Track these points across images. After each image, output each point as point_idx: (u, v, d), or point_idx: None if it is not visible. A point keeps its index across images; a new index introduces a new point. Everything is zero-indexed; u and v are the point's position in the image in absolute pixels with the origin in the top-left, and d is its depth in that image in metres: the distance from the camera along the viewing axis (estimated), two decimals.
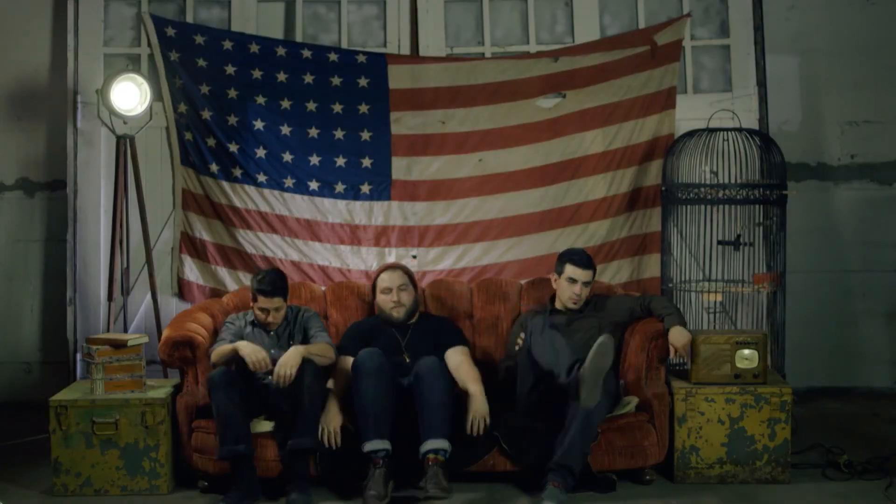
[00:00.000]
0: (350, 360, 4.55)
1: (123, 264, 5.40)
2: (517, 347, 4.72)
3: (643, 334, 4.68)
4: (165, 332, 4.60)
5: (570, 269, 4.79)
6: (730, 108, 5.63)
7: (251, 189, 5.59)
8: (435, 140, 5.60)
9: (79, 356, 5.54)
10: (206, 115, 5.57)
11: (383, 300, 4.83)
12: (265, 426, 4.44)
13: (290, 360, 4.36)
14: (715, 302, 5.24)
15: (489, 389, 4.56)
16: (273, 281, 4.61)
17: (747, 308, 5.25)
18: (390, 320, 4.82)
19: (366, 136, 5.62)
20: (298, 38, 5.77)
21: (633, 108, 5.70)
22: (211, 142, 5.59)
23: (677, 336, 4.59)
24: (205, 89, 5.58)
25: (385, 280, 4.86)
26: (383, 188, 5.60)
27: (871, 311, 6.10)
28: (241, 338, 4.59)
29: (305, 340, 4.67)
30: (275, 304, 4.61)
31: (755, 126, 5.69)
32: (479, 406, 4.43)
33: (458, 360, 4.68)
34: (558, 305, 4.87)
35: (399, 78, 5.63)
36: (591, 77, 5.68)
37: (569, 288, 4.79)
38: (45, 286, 5.92)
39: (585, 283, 4.79)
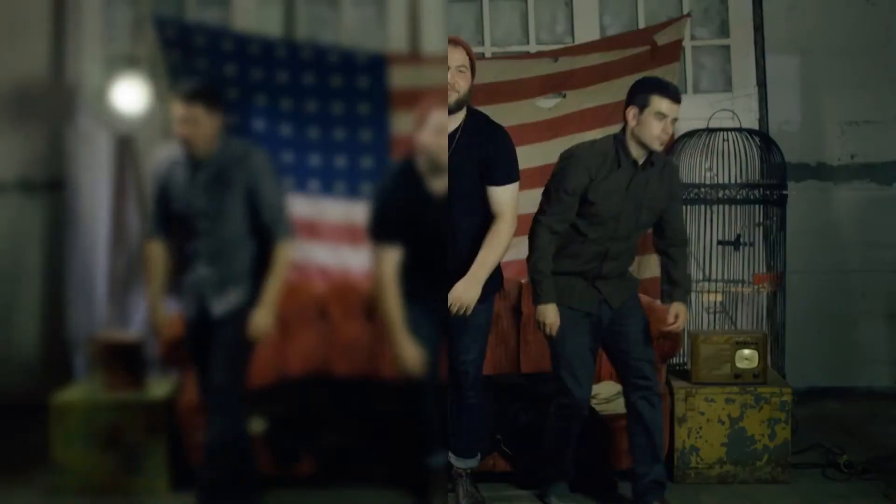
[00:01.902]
0: (393, 255, 3.87)
1: (123, 264, 5.40)
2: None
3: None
4: (165, 332, 4.60)
5: (657, 103, 4.01)
6: (730, 108, 5.64)
7: None
8: None
9: (79, 356, 5.54)
10: None
11: None
12: (259, 426, 4.42)
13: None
14: (715, 302, 5.24)
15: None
16: (197, 83, 3.98)
17: (747, 308, 5.26)
18: None
19: (366, 136, 5.63)
20: (298, 38, 5.77)
21: None
22: None
23: (681, 316, 4.29)
24: None
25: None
26: None
27: (871, 311, 6.11)
28: (165, 194, 3.92)
29: (254, 211, 3.86)
30: (189, 114, 3.81)
31: (755, 126, 5.69)
32: (460, 289, 3.90)
33: (498, 207, 3.98)
34: (631, 148, 4.08)
35: (399, 78, 5.63)
36: (591, 77, 5.68)
37: (656, 125, 4.00)
38: (45, 286, 5.92)
39: (674, 120, 4.06)
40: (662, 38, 5.72)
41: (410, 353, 3.87)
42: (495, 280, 4.06)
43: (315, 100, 5.65)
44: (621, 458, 4.47)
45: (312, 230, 5.64)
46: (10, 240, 5.95)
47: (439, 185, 3.88)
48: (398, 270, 3.84)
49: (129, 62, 5.76)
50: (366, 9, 5.88)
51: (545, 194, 4.14)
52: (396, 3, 5.81)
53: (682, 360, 5.04)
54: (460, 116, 3.95)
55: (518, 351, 5.09)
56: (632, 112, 4.06)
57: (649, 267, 5.67)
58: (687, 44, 5.82)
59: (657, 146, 4.04)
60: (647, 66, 5.68)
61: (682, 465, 4.60)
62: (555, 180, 4.10)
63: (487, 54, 5.81)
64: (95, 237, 5.68)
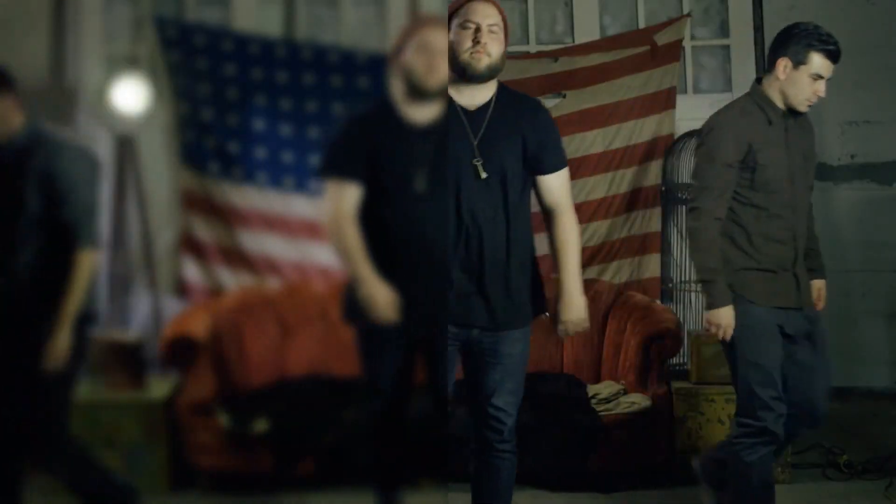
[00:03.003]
0: (351, 192, 3.25)
1: (123, 264, 5.40)
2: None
3: (643, 334, 4.68)
4: (165, 331, 4.61)
5: (817, 62, 3.59)
6: None
7: (251, 189, 5.59)
8: None
9: None
10: (206, 114, 5.58)
11: (457, 38, 3.25)
12: (260, 426, 4.43)
13: None
14: None
15: None
16: None
17: None
18: (461, 75, 3.26)
19: None
20: (298, 38, 5.77)
21: (632, 108, 5.70)
22: (211, 142, 5.59)
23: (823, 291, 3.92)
24: (205, 89, 5.58)
25: (470, 11, 3.26)
26: None
27: (871, 311, 6.10)
28: None
29: (51, 207, 3.22)
30: None
31: None
32: (576, 306, 3.29)
33: (555, 199, 3.34)
34: (776, 101, 3.64)
35: None
36: (591, 77, 5.68)
37: (809, 86, 3.58)
38: None
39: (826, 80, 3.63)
40: (662, 38, 5.72)
41: (380, 293, 3.28)
42: (539, 298, 3.39)
43: (315, 100, 5.64)
44: (621, 458, 4.47)
45: (312, 230, 5.63)
46: None
47: (422, 113, 3.26)
48: (357, 220, 3.21)
49: (129, 62, 5.76)
50: (366, 9, 5.88)
51: (696, 178, 3.64)
52: (396, 3, 5.80)
53: (682, 360, 5.03)
54: (491, 87, 3.30)
55: None
56: (783, 64, 3.59)
57: (649, 267, 5.67)
58: (687, 44, 5.82)
59: (804, 109, 3.61)
60: (647, 66, 5.68)
61: (682, 465, 4.59)
62: (706, 158, 3.58)
63: None
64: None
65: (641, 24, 5.82)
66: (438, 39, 3.28)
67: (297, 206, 5.65)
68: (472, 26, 3.21)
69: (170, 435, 4.46)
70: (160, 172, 5.69)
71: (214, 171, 5.60)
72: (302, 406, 4.53)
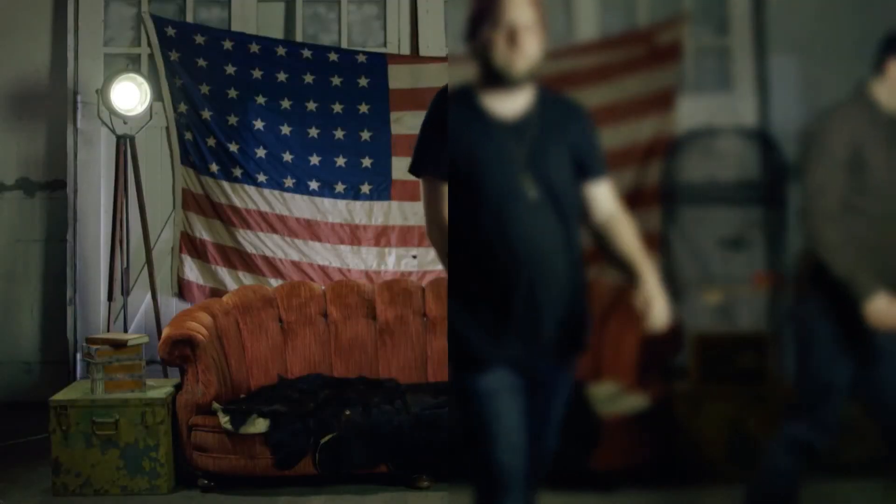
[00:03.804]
0: (444, 189, 2.83)
1: (123, 264, 5.40)
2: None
3: (643, 334, 4.69)
4: (165, 331, 4.60)
5: None
6: (730, 108, 5.64)
7: (251, 189, 5.59)
8: None
9: (79, 356, 5.54)
10: (206, 114, 5.57)
11: (489, 37, 2.73)
12: (260, 426, 4.42)
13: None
14: (715, 302, 5.24)
15: None
16: None
17: (747, 308, 5.26)
18: (495, 78, 2.76)
19: (366, 136, 5.62)
20: (298, 38, 5.77)
21: (632, 108, 5.71)
22: (211, 142, 5.59)
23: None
24: (205, 89, 5.58)
25: (502, 6, 2.73)
26: (383, 188, 5.60)
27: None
28: None
29: None
30: None
31: (755, 126, 5.69)
32: (661, 306, 2.97)
33: (610, 211, 2.99)
34: (887, 104, 3.51)
35: (399, 78, 5.63)
36: (591, 77, 5.68)
37: None
38: (45, 286, 5.92)
39: None
40: (662, 38, 5.73)
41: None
42: (587, 328, 2.96)
43: (315, 100, 5.64)
44: (621, 458, 4.48)
45: (312, 230, 5.64)
46: (11, 240, 5.95)
47: (507, 105, 2.77)
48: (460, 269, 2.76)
49: (129, 62, 5.76)
50: (366, 9, 5.88)
51: (805, 181, 3.45)
52: (396, 3, 5.80)
53: (682, 361, 5.03)
54: (527, 93, 2.79)
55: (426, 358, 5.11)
56: (894, 66, 3.41)
57: None
58: (687, 43, 5.82)
59: None
60: (647, 65, 5.68)
61: (682, 465, 4.60)
62: (819, 158, 3.43)
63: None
64: (95, 237, 5.68)
65: (641, 24, 5.82)
66: (523, 11, 2.73)
67: (297, 205, 5.66)
68: (507, 24, 2.71)
69: (170, 435, 4.46)
70: (160, 172, 5.70)
71: (214, 171, 5.61)
72: (302, 406, 4.53)
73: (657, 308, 2.93)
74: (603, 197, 2.95)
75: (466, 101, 2.78)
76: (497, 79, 2.75)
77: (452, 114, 2.80)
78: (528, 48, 2.73)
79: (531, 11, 2.74)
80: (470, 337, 2.71)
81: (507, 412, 2.77)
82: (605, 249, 3.00)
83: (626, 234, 3.00)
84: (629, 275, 2.99)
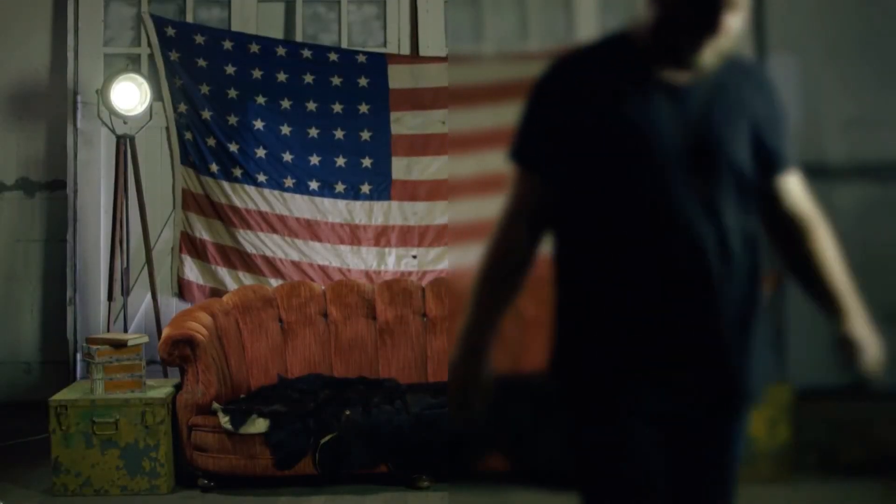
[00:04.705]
0: (536, 187, 2.20)
1: (123, 264, 5.40)
2: None
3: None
4: (165, 331, 4.60)
5: None
6: None
7: (251, 189, 5.59)
8: (435, 140, 5.61)
9: (79, 356, 5.54)
10: (206, 115, 5.57)
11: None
12: (260, 426, 4.42)
13: None
14: None
15: None
16: None
17: None
18: (666, 57, 2.08)
19: (366, 136, 5.62)
20: (298, 38, 5.77)
21: None
22: (211, 142, 5.59)
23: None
24: (205, 89, 5.58)
25: None
26: (383, 188, 5.61)
27: (870, 312, 6.10)
28: None
29: None
30: None
31: None
32: (875, 349, 2.48)
33: (802, 213, 2.34)
34: None
35: (399, 78, 5.63)
36: None
37: None
38: (45, 286, 5.92)
39: None
40: None
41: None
42: (774, 360, 2.44)
43: (315, 100, 5.64)
44: None
45: (312, 230, 5.63)
46: (11, 240, 5.95)
47: (702, 60, 2.06)
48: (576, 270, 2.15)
49: (129, 62, 5.76)
50: (366, 9, 5.88)
51: None
52: (396, 3, 5.80)
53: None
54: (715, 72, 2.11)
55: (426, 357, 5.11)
56: None
57: None
58: None
59: None
60: None
61: None
62: None
63: (487, 54, 5.81)
64: (95, 237, 5.68)
65: None
66: None
67: (297, 205, 5.65)
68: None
69: (170, 435, 4.46)
70: (160, 172, 5.70)
71: (214, 171, 5.60)
72: (302, 406, 4.53)
73: (872, 351, 2.46)
74: (795, 192, 2.27)
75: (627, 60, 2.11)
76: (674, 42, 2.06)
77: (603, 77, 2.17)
78: (728, 25, 2.04)
79: None
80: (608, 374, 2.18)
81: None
82: (786, 261, 2.40)
83: (824, 248, 2.39)
84: (819, 300, 2.46)
